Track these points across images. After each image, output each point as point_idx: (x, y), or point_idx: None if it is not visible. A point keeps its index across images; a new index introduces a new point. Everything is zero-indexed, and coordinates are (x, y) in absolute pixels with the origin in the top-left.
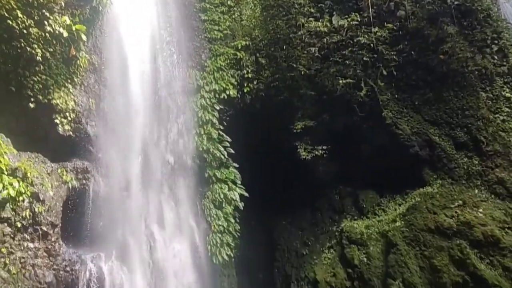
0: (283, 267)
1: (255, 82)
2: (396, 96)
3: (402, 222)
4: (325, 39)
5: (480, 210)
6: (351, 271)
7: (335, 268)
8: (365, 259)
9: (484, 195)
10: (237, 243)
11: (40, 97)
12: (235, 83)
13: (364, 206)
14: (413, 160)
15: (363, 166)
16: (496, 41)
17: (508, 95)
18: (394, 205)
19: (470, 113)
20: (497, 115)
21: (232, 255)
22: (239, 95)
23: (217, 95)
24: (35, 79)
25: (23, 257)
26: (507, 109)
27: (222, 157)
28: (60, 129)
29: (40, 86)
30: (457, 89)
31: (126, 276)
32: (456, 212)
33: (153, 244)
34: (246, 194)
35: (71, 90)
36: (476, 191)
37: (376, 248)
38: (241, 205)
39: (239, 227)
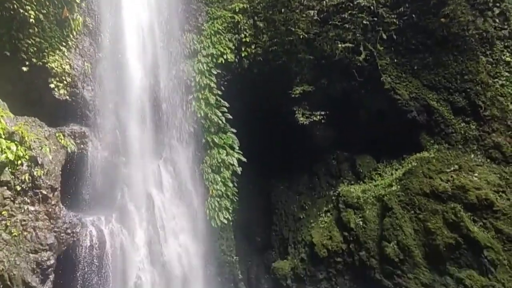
0: (281, 230)
1: (253, 47)
2: (395, 60)
3: (398, 186)
4: (324, 2)
5: (475, 174)
6: (347, 234)
7: (332, 231)
8: (361, 222)
9: (480, 160)
10: (235, 207)
11: (35, 60)
12: (233, 47)
13: (361, 171)
14: (410, 125)
15: (360, 131)
16: (498, 4)
17: (508, 59)
18: (391, 170)
19: (469, 77)
20: (496, 80)
21: (230, 218)
22: (236, 60)
23: (214, 60)
24: (29, 41)
25: (24, 220)
26: (506, 74)
27: (220, 122)
28: (56, 93)
29: (34, 48)
30: (456, 53)
31: (126, 238)
32: (451, 176)
33: (152, 207)
34: (244, 159)
35: (65, 53)
36: (472, 155)
37: (372, 212)
38: (239, 170)
39: (237, 192)
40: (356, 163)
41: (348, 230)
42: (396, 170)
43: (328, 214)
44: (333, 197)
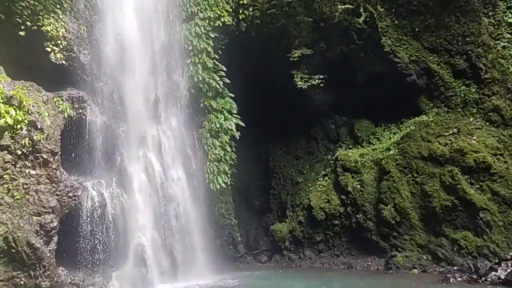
0: (279, 194)
1: (250, 9)
2: (395, 22)
3: (396, 150)
4: None
5: (474, 137)
6: (344, 197)
7: (329, 195)
8: (358, 186)
9: (479, 123)
10: (233, 171)
11: (30, 24)
12: (230, 10)
13: (359, 135)
14: (410, 88)
15: (359, 95)
16: None
17: (510, 20)
18: (389, 134)
19: (470, 39)
20: (498, 42)
21: (228, 182)
22: (234, 23)
23: (211, 23)
24: (23, 4)
25: (26, 183)
26: (508, 36)
27: (218, 86)
28: (52, 57)
29: (29, 11)
30: (459, 15)
31: (126, 201)
32: (450, 139)
33: (151, 171)
34: (242, 124)
35: (60, 16)
36: (471, 119)
37: (370, 175)
38: (237, 134)
39: (235, 156)
40: (354, 127)
41: (346, 194)
42: (394, 134)
43: (326, 178)
44: (331, 161)
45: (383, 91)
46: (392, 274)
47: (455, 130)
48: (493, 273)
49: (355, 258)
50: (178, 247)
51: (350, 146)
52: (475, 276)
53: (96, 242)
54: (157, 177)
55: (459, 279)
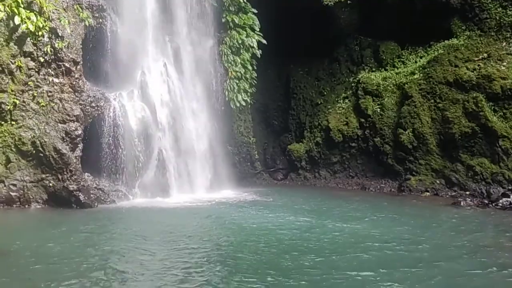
0: (298, 115)
1: None
2: None
3: (421, 74)
4: None
5: (504, 63)
6: (363, 120)
7: (348, 118)
8: (378, 109)
9: (511, 49)
10: (253, 90)
11: None
12: None
13: (384, 57)
14: (442, 9)
15: (387, 16)
16: None
17: None
18: (415, 57)
19: None
20: None
21: (248, 101)
22: None
23: None
24: None
25: (50, 91)
26: None
27: (241, 1)
28: None
29: None
30: None
31: (147, 114)
32: (478, 65)
33: (171, 85)
34: (264, 41)
35: None
36: (504, 43)
37: (391, 99)
38: (258, 52)
39: (256, 75)
40: (379, 49)
41: (365, 117)
42: (421, 57)
43: (346, 100)
44: (353, 84)
45: (413, 12)
46: (404, 196)
47: (485, 55)
48: (505, 199)
49: (369, 180)
50: (197, 161)
51: (373, 69)
52: (486, 201)
53: (118, 151)
54: (176, 91)
55: (470, 203)
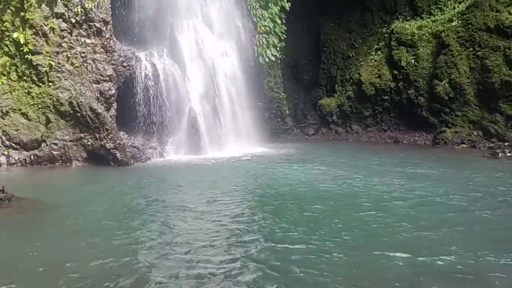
0: (329, 69)
1: None
2: None
3: (459, 21)
4: None
5: None
6: (397, 72)
7: (381, 70)
8: (412, 60)
9: None
10: (282, 45)
11: None
12: None
13: (420, 5)
14: None
15: None
16: None
17: None
18: (453, 3)
19: None
20: None
21: (278, 56)
22: None
23: None
24: None
25: (83, 52)
26: None
27: None
28: None
29: None
30: None
31: (177, 72)
32: None
33: (201, 42)
34: None
35: None
36: None
37: (426, 49)
38: (287, 5)
39: (285, 29)
40: None
41: (399, 69)
42: (460, 3)
43: (379, 52)
44: (386, 35)
45: None
46: (439, 148)
47: None
48: None
49: (402, 133)
50: (228, 118)
51: (408, 18)
52: None
53: (151, 110)
54: (206, 48)
55: (508, 154)
